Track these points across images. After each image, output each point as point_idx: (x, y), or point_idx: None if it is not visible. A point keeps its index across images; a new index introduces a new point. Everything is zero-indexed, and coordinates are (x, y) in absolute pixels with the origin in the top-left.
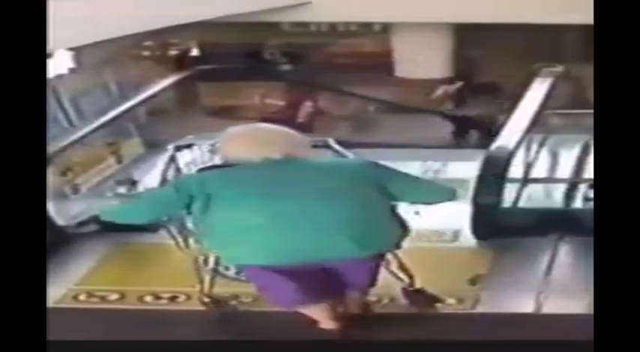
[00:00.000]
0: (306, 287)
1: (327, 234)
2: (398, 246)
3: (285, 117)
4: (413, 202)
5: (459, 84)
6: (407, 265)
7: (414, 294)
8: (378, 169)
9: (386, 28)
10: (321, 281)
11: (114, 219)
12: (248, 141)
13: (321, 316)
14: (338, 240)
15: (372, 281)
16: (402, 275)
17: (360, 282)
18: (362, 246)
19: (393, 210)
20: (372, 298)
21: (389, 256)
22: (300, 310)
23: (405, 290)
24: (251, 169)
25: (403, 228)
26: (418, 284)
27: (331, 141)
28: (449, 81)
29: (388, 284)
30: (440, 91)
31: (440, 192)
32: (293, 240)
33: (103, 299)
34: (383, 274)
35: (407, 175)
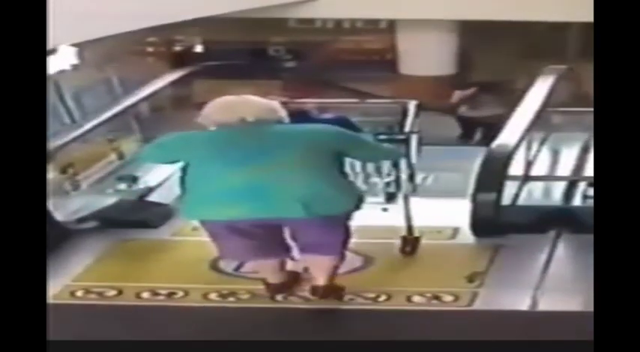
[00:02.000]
0: (256, 244)
1: (278, 195)
2: (349, 212)
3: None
4: (367, 161)
5: (473, 89)
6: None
7: (413, 241)
8: (338, 135)
9: (391, 25)
10: (269, 239)
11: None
12: (223, 106)
13: (268, 271)
14: (288, 201)
15: (328, 245)
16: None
17: (311, 243)
18: (309, 208)
19: (346, 177)
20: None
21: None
22: (250, 264)
23: (404, 238)
24: (222, 133)
25: (356, 195)
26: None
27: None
28: (456, 81)
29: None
30: (456, 97)
31: (389, 153)
32: (247, 200)
33: (100, 295)
34: None
35: (363, 140)
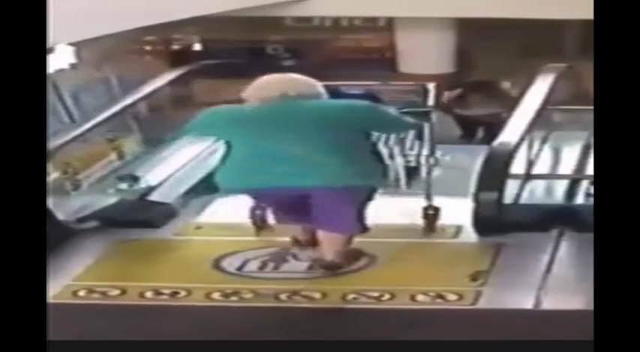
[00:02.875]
0: (286, 212)
1: (308, 166)
2: (373, 186)
3: None
4: (394, 133)
5: (458, 90)
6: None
7: (431, 217)
8: (369, 109)
9: (390, 23)
10: (299, 208)
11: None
12: (266, 82)
13: (298, 231)
14: (317, 172)
15: (344, 219)
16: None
17: (328, 216)
18: (336, 179)
19: (372, 150)
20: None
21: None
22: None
23: (425, 208)
24: (262, 108)
25: (381, 167)
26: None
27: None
28: (455, 80)
29: None
30: (445, 97)
31: (413, 125)
32: (279, 170)
33: (103, 294)
34: None
35: (391, 113)
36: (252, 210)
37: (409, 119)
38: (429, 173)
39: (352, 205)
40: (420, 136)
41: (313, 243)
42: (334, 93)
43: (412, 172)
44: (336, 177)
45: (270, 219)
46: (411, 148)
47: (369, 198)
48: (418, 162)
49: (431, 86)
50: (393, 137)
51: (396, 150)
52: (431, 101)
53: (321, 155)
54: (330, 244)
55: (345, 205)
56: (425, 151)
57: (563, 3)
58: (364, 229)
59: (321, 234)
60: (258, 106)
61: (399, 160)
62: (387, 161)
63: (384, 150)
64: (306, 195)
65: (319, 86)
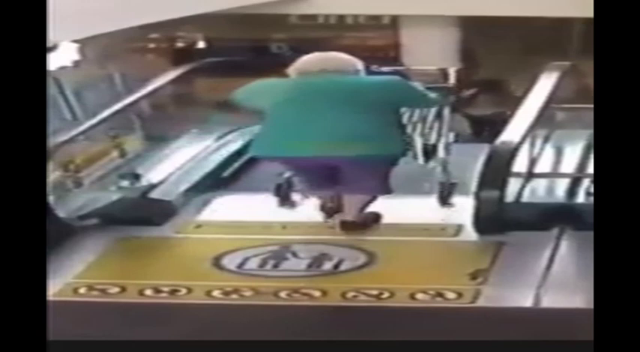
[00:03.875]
0: (314, 182)
1: (340, 135)
2: (397, 156)
3: None
4: (420, 107)
5: (473, 90)
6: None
7: (449, 187)
8: (400, 84)
9: (394, 21)
10: (326, 178)
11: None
12: (309, 59)
13: (323, 198)
14: (347, 140)
15: (370, 185)
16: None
17: (355, 182)
18: (364, 147)
19: (399, 124)
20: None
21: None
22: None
23: (442, 184)
24: (301, 81)
25: (404, 142)
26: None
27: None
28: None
29: None
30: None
31: (439, 100)
32: (312, 139)
33: (103, 292)
34: None
35: (418, 89)
36: (277, 187)
37: (435, 95)
38: (447, 149)
39: (378, 172)
40: (439, 115)
41: (340, 209)
42: (368, 72)
43: (430, 150)
44: (366, 147)
45: (294, 195)
46: (431, 127)
47: (393, 164)
48: (437, 140)
49: (452, 70)
50: (416, 114)
51: (418, 127)
52: (451, 81)
53: (353, 126)
54: (353, 206)
55: (372, 172)
56: (444, 129)
57: (567, 1)
58: (388, 191)
59: (346, 197)
60: (298, 79)
61: (419, 138)
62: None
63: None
64: (334, 164)
65: (358, 64)
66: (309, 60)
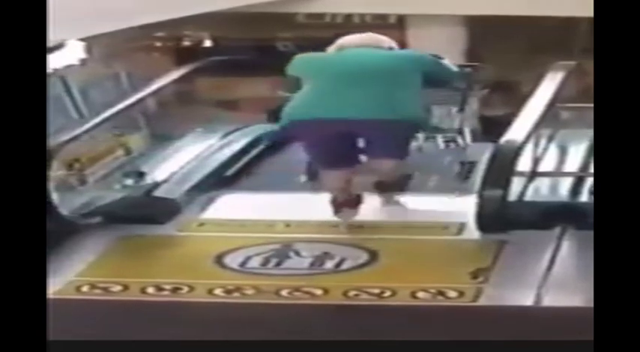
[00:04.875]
0: (332, 155)
1: (367, 99)
2: (421, 121)
3: None
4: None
5: (485, 90)
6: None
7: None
8: (426, 57)
9: (400, 20)
10: (345, 150)
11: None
12: (349, 38)
13: (336, 185)
14: (375, 104)
15: (396, 148)
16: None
17: (383, 146)
18: (391, 111)
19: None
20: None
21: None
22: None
23: (462, 163)
24: (337, 55)
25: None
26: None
27: None
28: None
29: None
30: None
31: (462, 75)
32: (340, 103)
33: (105, 290)
34: None
35: (443, 63)
36: (309, 165)
37: (459, 70)
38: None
39: (402, 137)
40: (464, 99)
41: (351, 202)
42: None
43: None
44: (394, 112)
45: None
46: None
47: (416, 131)
48: (461, 124)
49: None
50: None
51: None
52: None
53: (383, 93)
54: (384, 166)
55: (397, 136)
56: (467, 115)
57: (573, 0)
58: (406, 156)
59: (372, 163)
60: (336, 52)
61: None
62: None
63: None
64: (360, 131)
65: (392, 43)
66: (347, 39)
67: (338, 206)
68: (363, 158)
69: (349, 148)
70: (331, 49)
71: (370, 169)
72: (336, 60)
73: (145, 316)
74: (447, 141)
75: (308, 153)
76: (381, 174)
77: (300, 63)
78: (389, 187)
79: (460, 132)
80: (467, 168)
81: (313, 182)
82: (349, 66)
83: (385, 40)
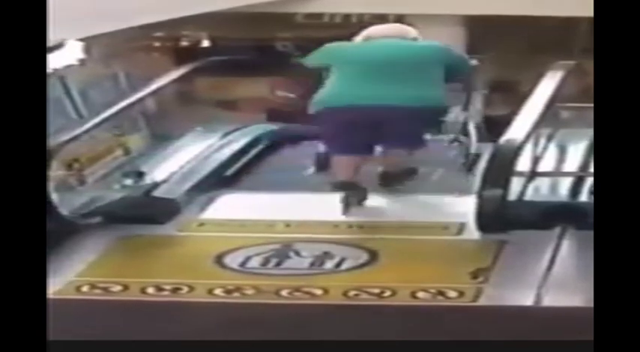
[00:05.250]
0: (350, 141)
1: (392, 86)
2: (442, 109)
3: (296, 109)
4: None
5: (482, 92)
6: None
7: (474, 157)
8: (446, 49)
9: (399, 20)
10: (362, 138)
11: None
12: (374, 28)
13: (344, 170)
14: (399, 92)
15: (414, 137)
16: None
17: (401, 134)
18: (415, 98)
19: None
20: None
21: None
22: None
23: (467, 155)
24: (363, 45)
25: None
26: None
27: None
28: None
29: None
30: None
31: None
32: (366, 91)
33: (105, 290)
34: None
35: (461, 54)
36: (317, 156)
37: (473, 61)
38: (479, 130)
39: (421, 125)
40: (468, 97)
41: (353, 184)
42: None
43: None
44: (415, 99)
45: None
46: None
47: (435, 117)
48: (467, 119)
49: None
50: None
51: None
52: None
53: (405, 80)
54: (393, 159)
55: (416, 124)
56: (474, 110)
57: (572, 0)
58: (423, 145)
59: (386, 151)
60: (362, 42)
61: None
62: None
63: None
64: (382, 118)
65: (414, 33)
66: (373, 29)
67: (339, 186)
68: (377, 148)
69: (368, 136)
70: (358, 39)
71: (383, 159)
72: (362, 50)
73: (145, 316)
74: (451, 141)
75: (326, 139)
76: (389, 165)
77: (328, 51)
78: (394, 178)
79: (465, 130)
80: (471, 160)
81: (321, 172)
82: (375, 56)
83: (410, 31)
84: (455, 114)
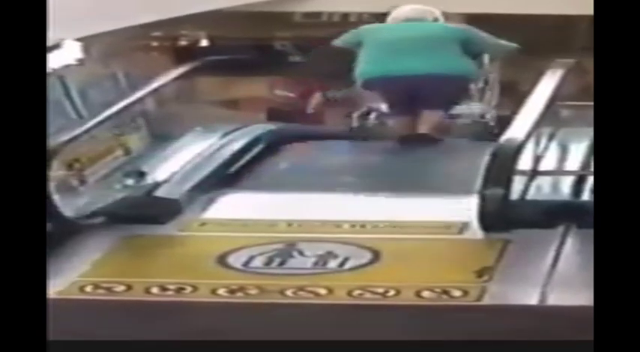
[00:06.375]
0: (398, 105)
1: (424, 58)
2: (471, 77)
3: (295, 109)
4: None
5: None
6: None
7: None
8: (469, 28)
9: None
10: (405, 100)
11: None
12: (401, 10)
13: (403, 126)
14: (432, 61)
15: (445, 101)
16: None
17: (432, 99)
18: (446, 67)
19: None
20: None
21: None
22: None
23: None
24: (391, 25)
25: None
26: None
27: None
28: None
29: None
30: None
31: (505, 48)
32: (401, 61)
33: (109, 290)
34: None
35: (484, 35)
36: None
37: (502, 44)
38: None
39: (453, 90)
40: (486, 83)
41: (414, 137)
42: None
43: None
44: (448, 67)
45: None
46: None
47: (466, 84)
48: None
49: None
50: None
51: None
52: None
53: (435, 53)
54: (430, 120)
55: (450, 90)
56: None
57: None
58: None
59: (425, 113)
60: (387, 24)
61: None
62: None
63: None
64: (418, 84)
65: (436, 13)
66: (397, 11)
67: (402, 140)
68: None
69: (411, 100)
70: (389, 18)
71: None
72: (387, 29)
73: (149, 316)
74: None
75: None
76: (426, 127)
77: (358, 33)
78: (429, 138)
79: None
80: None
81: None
82: (398, 34)
83: (430, 12)
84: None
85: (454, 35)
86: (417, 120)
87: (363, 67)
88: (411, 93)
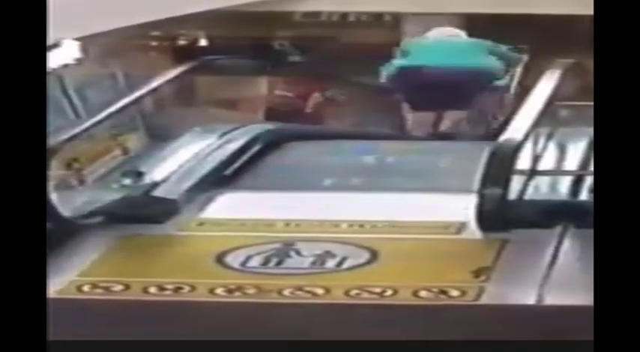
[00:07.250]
0: (424, 100)
1: (457, 55)
2: (498, 73)
3: (295, 108)
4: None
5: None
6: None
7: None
8: (481, 42)
9: (396, 19)
10: (432, 94)
11: None
12: (434, 31)
13: (421, 124)
14: (462, 56)
15: (469, 98)
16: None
17: (466, 94)
18: (474, 62)
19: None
20: None
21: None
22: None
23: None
24: (434, 40)
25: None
26: None
27: None
28: None
29: None
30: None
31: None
32: (434, 57)
33: (107, 290)
34: None
35: (501, 49)
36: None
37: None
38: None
39: (478, 86)
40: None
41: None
42: None
43: None
44: (476, 63)
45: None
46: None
47: (492, 80)
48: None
49: None
50: None
51: None
52: None
53: (463, 54)
54: (452, 118)
55: (473, 86)
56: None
57: None
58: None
59: (447, 114)
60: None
61: None
62: None
63: None
64: (446, 80)
65: (462, 34)
66: (432, 32)
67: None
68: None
69: (438, 95)
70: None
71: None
72: (424, 41)
73: (147, 316)
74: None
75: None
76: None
77: (406, 45)
78: (449, 136)
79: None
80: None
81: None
82: (432, 44)
83: (455, 32)
84: None
85: (480, 43)
86: (438, 117)
87: (402, 60)
88: (436, 88)
